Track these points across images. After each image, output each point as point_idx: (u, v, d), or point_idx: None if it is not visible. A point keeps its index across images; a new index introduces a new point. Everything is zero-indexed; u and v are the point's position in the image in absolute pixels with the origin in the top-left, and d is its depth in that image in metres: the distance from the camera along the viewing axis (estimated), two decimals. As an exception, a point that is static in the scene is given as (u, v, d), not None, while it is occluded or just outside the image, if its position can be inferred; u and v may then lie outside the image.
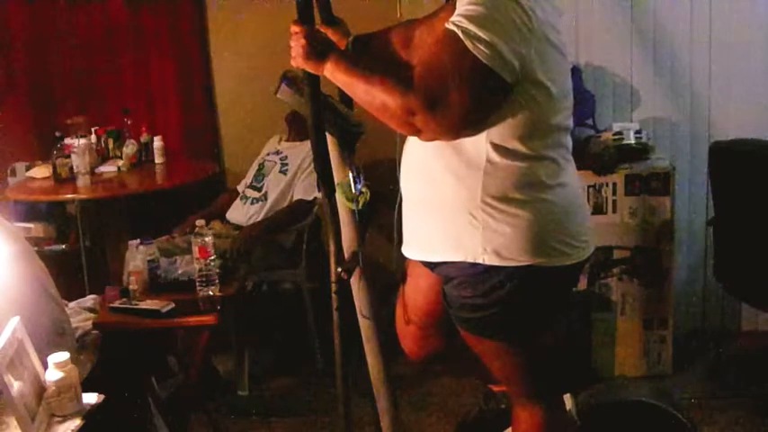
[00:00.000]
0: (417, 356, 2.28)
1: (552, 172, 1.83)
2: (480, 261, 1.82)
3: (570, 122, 1.91)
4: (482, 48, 1.66)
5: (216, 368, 3.47)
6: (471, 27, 1.67)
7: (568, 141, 1.91)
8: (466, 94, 1.69)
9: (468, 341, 1.99)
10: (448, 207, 1.84)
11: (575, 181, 1.93)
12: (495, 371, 2.09)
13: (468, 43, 1.66)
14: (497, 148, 1.78)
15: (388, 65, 2.01)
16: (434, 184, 1.86)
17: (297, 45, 1.87)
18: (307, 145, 3.47)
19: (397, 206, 2.01)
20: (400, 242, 2.04)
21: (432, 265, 1.97)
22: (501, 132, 1.77)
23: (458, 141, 1.80)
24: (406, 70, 1.80)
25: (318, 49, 1.86)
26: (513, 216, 1.80)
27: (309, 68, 1.88)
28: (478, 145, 1.78)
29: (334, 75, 1.84)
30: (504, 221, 1.80)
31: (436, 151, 1.84)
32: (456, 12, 1.72)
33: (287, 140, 3.84)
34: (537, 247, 1.81)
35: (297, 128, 3.76)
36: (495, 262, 1.81)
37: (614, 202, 3.20)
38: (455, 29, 1.68)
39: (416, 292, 2.16)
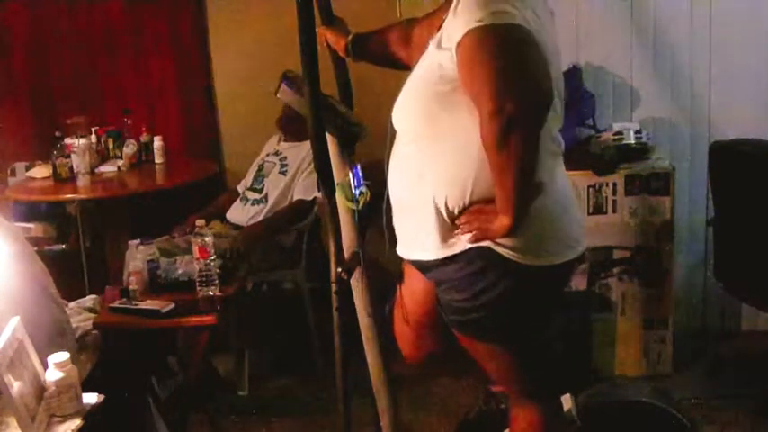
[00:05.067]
0: (414, 359, 2.27)
1: (541, 173, 1.82)
2: (468, 247, 1.82)
3: (559, 124, 1.91)
4: (502, 16, 1.66)
5: (216, 368, 3.46)
6: (487, 13, 1.66)
7: (558, 142, 1.91)
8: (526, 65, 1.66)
9: (463, 343, 1.99)
10: (437, 207, 1.84)
11: (564, 181, 1.94)
12: (490, 372, 2.09)
13: (495, 21, 1.65)
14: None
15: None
16: (423, 184, 1.86)
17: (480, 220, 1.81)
18: (306, 145, 3.46)
19: (384, 206, 2.01)
20: (392, 242, 2.03)
21: (423, 269, 1.98)
22: None
23: (447, 143, 1.80)
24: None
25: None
26: None
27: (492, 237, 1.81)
28: (469, 147, 1.77)
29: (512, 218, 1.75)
30: None
31: (425, 152, 1.85)
32: (461, 21, 1.70)
33: (285, 141, 3.84)
34: (525, 247, 1.81)
35: (290, 130, 3.75)
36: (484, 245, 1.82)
37: (614, 202, 3.20)
38: (478, 25, 1.66)
39: (411, 295, 2.16)
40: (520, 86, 1.64)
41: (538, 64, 1.69)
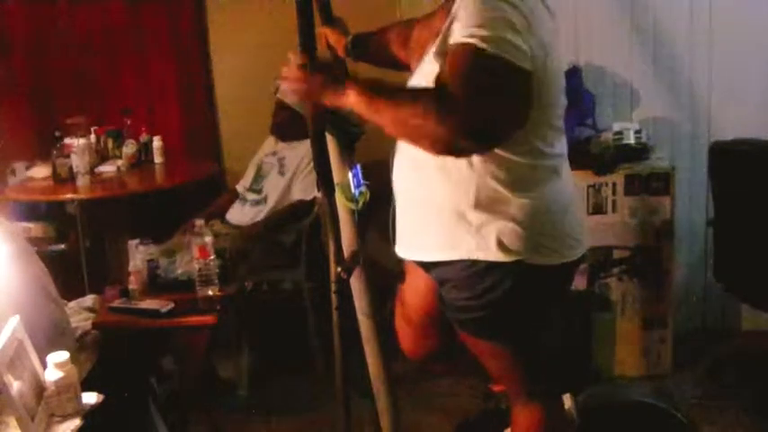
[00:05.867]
0: (415, 356, 2.29)
1: (546, 172, 1.83)
2: (474, 257, 1.82)
3: (561, 123, 1.90)
4: (499, 46, 1.60)
5: (216, 368, 3.46)
6: (482, 33, 1.61)
7: (562, 141, 1.91)
8: (506, 100, 1.64)
9: (465, 341, 2.00)
10: (441, 207, 1.84)
11: (568, 180, 1.94)
12: (492, 370, 2.10)
13: (485, 46, 1.60)
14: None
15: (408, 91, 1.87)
16: (427, 184, 1.86)
17: (309, 80, 1.79)
18: (304, 145, 3.46)
19: (391, 207, 2.01)
20: (396, 242, 2.03)
21: (427, 267, 1.98)
22: None
23: None
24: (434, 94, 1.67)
25: (335, 78, 1.76)
26: (506, 215, 1.80)
27: (327, 100, 1.79)
28: None
29: (359, 102, 1.72)
30: (497, 221, 1.80)
31: (427, 153, 1.84)
32: (459, 25, 1.67)
33: (283, 141, 3.83)
34: (530, 245, 1.81)
35: (286, 133, 3.74)
36: (491, 257, 1.81)
37: (614, 202, 3.20)
38: (471, 42, 1.61)
39: (414, 293, 2.16)
40: (488, 112, 1.60)
41: (514, 102, 1.66)
